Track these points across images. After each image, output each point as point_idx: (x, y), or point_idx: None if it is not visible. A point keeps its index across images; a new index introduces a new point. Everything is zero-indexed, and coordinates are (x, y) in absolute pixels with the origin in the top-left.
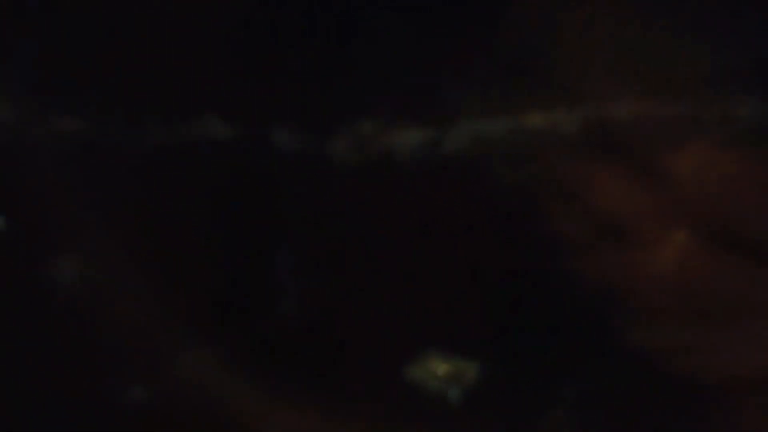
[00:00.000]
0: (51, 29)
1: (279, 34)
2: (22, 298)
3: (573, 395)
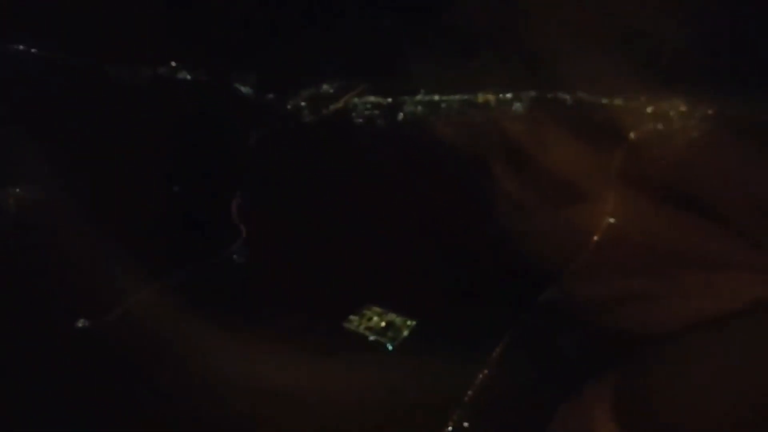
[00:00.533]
0: None
1: None
2: None
3: (500, 352)
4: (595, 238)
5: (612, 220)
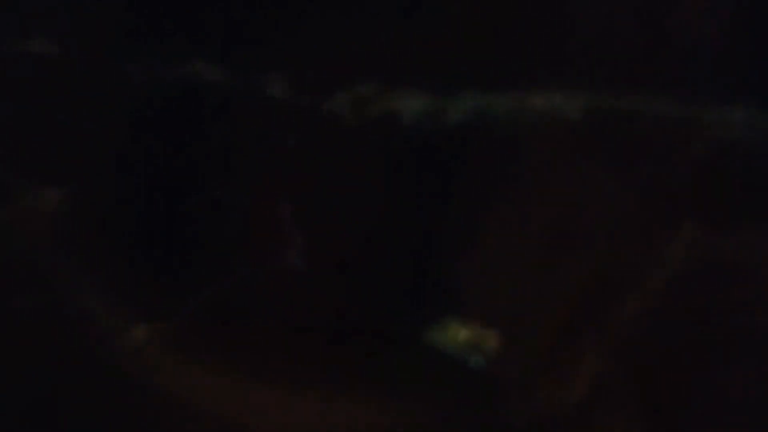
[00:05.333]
0: None
1: None
2: None
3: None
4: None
5: (674, 252)
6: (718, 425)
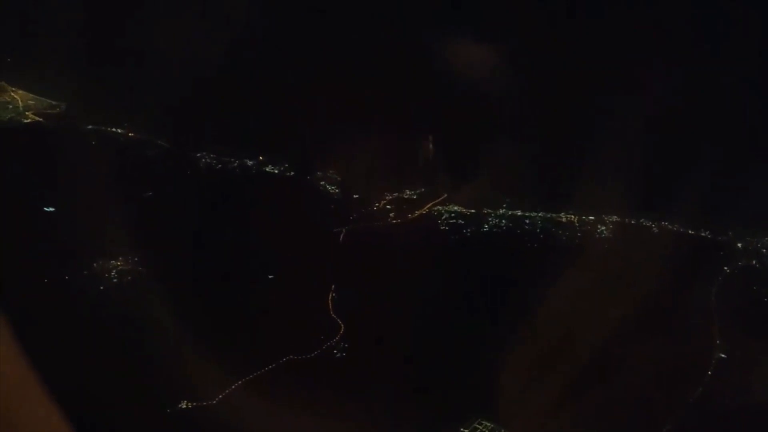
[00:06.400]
0: None
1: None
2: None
3: None
4: (709, 373)
5: (723, 355)
6: None
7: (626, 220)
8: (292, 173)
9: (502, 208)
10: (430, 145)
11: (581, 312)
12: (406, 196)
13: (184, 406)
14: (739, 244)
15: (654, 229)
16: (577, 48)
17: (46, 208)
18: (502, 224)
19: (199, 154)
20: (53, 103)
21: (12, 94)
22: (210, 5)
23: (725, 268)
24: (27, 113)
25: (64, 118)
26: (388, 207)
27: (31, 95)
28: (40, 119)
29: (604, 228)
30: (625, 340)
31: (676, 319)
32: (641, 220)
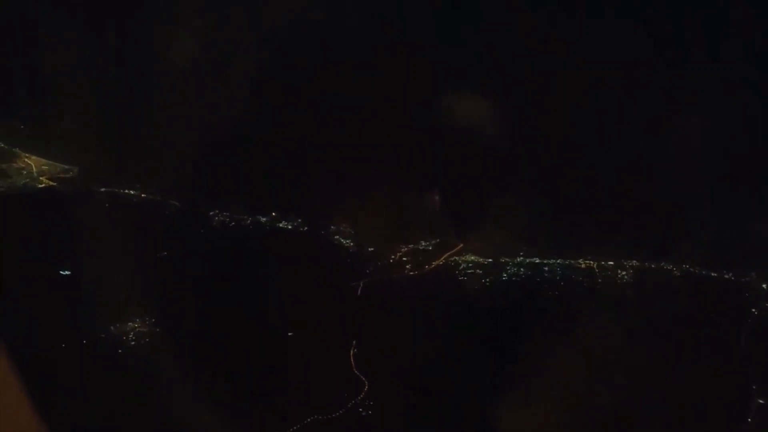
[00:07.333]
0: None
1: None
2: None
3: None
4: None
5: (761, 401)
6: None
7: (646, 264)
8: (306, 228)
9: (520, 256)
10: (443, 195)
11: (607, 360)
12: (421, 248)
13: None
14: (764, 285)
15: (675, 272)
16: (586, 81)
17: (62, 272)
18: (521, 272)
19: (212, 213)
20: (66, 167)
21: (26, 160)
22: (219, 64)
23: (753, 309)
24: (41, 178)
25: (78, 181)
26: (404, 259)
27: (44, 161)
28: (54, 183)
29: (624, 273)
30: (655, 389)
31: (706, 365)
32: (662, 264)
